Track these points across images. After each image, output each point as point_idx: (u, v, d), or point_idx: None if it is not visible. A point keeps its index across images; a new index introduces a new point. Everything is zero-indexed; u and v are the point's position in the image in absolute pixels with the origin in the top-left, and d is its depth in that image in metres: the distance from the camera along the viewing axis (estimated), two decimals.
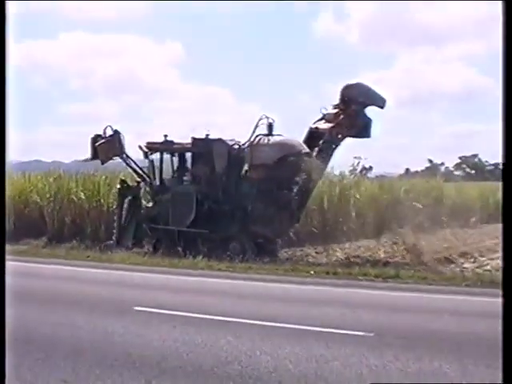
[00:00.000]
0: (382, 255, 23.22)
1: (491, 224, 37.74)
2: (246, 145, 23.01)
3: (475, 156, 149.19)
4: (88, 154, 24.91)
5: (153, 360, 8.82)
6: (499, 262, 20.78)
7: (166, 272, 18.99)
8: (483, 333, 10.62)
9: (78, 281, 17.71)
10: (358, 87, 22.39)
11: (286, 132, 23.39)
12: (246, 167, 23.47)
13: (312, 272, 18.67)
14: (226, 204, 22.92)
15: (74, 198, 28.68)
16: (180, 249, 22.60)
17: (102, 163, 25.19)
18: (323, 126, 22.80)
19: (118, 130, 24.49)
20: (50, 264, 21.01)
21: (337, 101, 22.61)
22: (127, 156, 24.74)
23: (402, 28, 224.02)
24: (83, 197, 28.50)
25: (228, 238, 22.50)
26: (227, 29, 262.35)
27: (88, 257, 23.29)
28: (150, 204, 24.82)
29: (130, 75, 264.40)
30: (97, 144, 24.29)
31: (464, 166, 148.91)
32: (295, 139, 23.14)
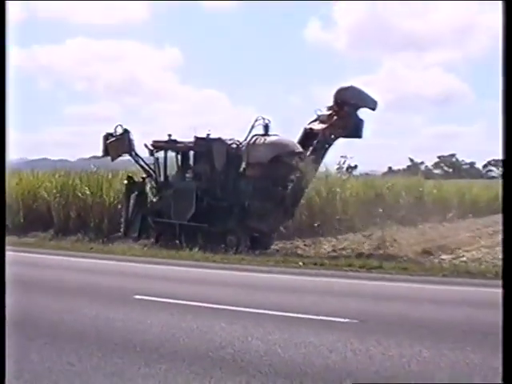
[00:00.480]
0: (367, 248, 23.25)
1: (467, 219, 37.84)
2: (244, 144, 22.99)
3: (453, 156, 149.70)
4: (100, 152, 24.96)
5: (152, 345, 8.80)
6: (474, 254, 20.88)
7: (165, 263, 18.95)
8: (459, 320, 10.68)
9: (82, 271, 17.67)
10: (351, 90, 22.36)
11: (280, 132, 23.34)
12: (243, 165, 23.42)
13: (301, 263, 18.66)
14: (224, 200, 22.90)
15: (79, 194, 28.66)
16: (179, 241, 22.63)
17: (112, 160, 25.04)
18: (317, 126, 22.75)
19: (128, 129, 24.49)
20: (56, 255, 20.98)
21: (329, 103, 22.61)
22: (136, 154, 24.72)
23: (387, 35, 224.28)
24: (88, 192, 28.45)
25: (226, 231, 22.45)
26: (222, 35, 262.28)
27: (91, 248, 23.29)
28: (155, 199, 24.78)
29: (130, 79, 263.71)
30: (108, 142, 24.30)
31: (442, 164, 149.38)
32: (289, 139, 23.08)
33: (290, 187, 22.91)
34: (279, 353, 8.45)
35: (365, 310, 11.51)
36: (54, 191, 29.26)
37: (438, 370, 7.68)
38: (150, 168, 24.65)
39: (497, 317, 10.91)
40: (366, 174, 42.75)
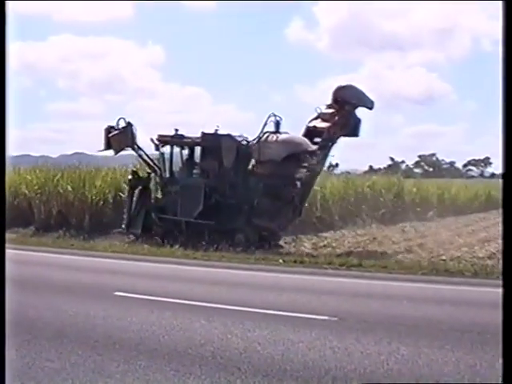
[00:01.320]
0: (347, 246, 23.31)
1: (447, 217, 38.04)
2: (255, 141, 22.74)
3: (433, 155, 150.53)
4: (102, 145, 24.36)
5: (131, 342, 8.78)
6: (453, 253, 20.97)
7: (146, 260, 18.94)
8: (437, 317, 10.72)
9: (63, 267, 17.59)
10: (351, 89, 22.54)
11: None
12: (252, 163, 23.26)
13: (281, 261, 18.67)
14: (232, 198, 22.66)
15: (61, 190, 28.38)
16: (185, 239, 22.32)
17: (115, 153, 24.47)
18: (321, 124, 22.76)
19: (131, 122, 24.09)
20: (37, 252, 20.85)
21: (324, 101, 22.85)
22: (138, 147, 24.27)
23: (368, 35, 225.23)
24: (70, 188, 28.17)
25: (234, 230, 22.21)
26: (205, 34, 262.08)
27: (72, 245, 23.17)
28: (160, 195, 24.52)
29: (114, 76, 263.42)
30: (110, 135, 23.77)
31: (423, 164, 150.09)
32: (301, 137, 22.90)
33: (299, 185, 22.95)
34: (258, 350, 8.45)
35: (344, 308, 11.55)
36: (36, 187, 29.03)
37: (416, 368, 7.72)
38: (154, 163, 24.26)
39: (474, 315, 11.00)
40: (347, 172, 42.79)
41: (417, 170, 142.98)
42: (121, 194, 26.92)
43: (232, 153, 22.68)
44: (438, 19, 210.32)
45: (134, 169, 25.58)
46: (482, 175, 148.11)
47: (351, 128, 22.53)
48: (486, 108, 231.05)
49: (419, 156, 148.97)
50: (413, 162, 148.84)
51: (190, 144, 23.77)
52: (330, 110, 22.65)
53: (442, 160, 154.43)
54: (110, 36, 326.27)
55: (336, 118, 22.31)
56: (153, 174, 24.50)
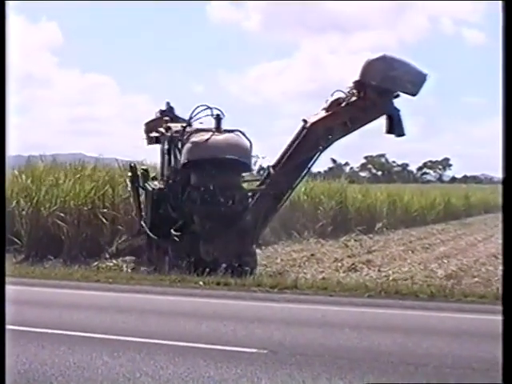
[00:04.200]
0: (280, 264, 23.43)
1: (398, 230, 38.68)
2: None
3: (382, 156, 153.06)
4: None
5: (9, 379, 8.62)
6: (406, 271, 21.31)
7: (37, 284, 18.63)
8: (386, 348, 10.84)
9: None
10: (376, 63, 19.81)
11: None
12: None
13: (201, 283, 18.62)
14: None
15: None
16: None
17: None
18: (313, 118, 20.73)
19: None
20: None
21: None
22: None
23: (305, 15, 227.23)
24: None
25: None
26: (111, 12, 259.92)
27: None
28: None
29: None
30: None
31: (370, 166, 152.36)
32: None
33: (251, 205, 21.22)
34: None
35: (275, 339, 11.57)
36: None
37: None
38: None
39: (431, 345, 11.17)
40: None
41: (363, 174, 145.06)
42: None
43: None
44: None
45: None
46: (440, 179, 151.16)
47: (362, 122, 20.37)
48: (446, 100, 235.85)
49: (366, 157, 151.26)
50: (358, 164, 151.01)
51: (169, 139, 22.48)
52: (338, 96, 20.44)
53: (393, 162, 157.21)
54: None
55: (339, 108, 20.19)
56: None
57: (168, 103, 23.84)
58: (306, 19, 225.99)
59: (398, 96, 19.76)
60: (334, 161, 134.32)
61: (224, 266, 19.95)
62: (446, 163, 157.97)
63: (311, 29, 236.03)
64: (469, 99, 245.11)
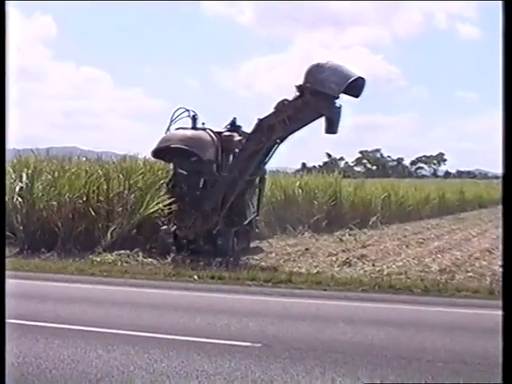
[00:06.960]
0: (274, 258, 23.41)
1: (392, 224, 38.66)
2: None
3: (377, 151, 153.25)
4: None
5: (10, 379, 8.58)
6: (400, 266, 21.31)
7: (31, 277, 18.56)
8: (379, 342, 10.87)
9: None
10: (316, 69, 22.04)
11: None
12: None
13: (196, 277, 18.62)
14: None
15: None
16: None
17: None
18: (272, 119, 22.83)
19: None
20: None
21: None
22: None
23: (299, 9, 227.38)
24: None
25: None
26: (107, 6, 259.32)
27: None
28: None
29: None
30: None
31: (365, 161, 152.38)
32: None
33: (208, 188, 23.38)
34: None
35: (269, 333, 11.60)
36: None
37: None
38: None
39: (424, 339, 11.21)
40: (277, 170, 42.91)
41: (358, 169, 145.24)
42: None
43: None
44: None
45: None
46: (434, 174, 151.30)
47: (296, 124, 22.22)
48: (440, 95, 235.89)
49: (361, 152, 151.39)
50: (353, 158, 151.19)
51: None
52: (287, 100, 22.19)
53: (388, 156, 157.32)
54: None
55: (286, 110, 21.90)
56: None
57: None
58: (299, 14, 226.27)
59: (337, 98, 21.61)
60: (328, 155, 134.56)
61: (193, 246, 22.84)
62: (440, 158, 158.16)
63: (304, 24, 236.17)
64: (462, 93, 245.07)
